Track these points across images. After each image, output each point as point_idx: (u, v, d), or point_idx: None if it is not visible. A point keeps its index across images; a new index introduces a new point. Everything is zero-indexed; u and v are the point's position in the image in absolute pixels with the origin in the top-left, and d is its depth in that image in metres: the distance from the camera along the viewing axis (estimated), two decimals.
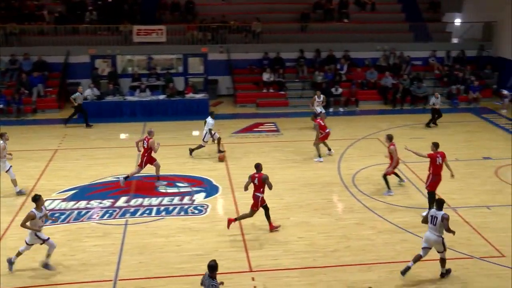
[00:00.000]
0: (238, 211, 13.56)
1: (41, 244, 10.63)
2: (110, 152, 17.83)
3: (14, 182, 14.29)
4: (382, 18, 27.27)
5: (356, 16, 27.17)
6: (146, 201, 14.15)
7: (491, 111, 23.04)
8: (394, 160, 14.19)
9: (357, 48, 25.51)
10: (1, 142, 14.07)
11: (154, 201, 14.19)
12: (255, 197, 12.32)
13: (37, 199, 10.56)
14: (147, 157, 14.91)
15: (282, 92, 24.03)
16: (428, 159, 12.96)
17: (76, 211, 13.52)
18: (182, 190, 14.91)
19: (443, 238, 10.37)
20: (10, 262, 10.75)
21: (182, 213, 13.57)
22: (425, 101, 23.52)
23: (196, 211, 13.67)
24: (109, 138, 19.44)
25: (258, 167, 12.37)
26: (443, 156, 12.91)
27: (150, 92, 23.14)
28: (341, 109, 21.60)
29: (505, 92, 23.15)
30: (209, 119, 16.98)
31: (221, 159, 16.88)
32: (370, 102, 23.84)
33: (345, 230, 12.60)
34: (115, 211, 13.58)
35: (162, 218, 13.26)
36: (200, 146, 17.24)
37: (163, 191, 14.80)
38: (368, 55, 25.56)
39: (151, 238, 12.19)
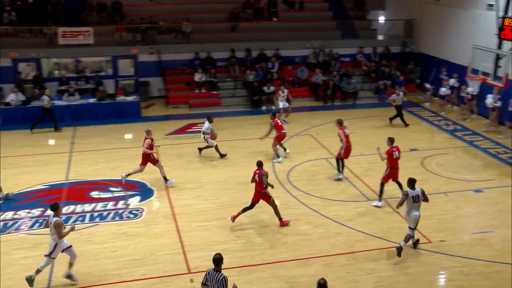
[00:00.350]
0: (174, 213, 13.46)
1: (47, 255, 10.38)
2: (38, 159, 17.14)
3: None
4: (310, 17, 27.81)
5: (285, 15, 27.54)
6: (79, 208, 13.75)
7: (416, 104, 24.06)
8: (342, 143, 15.00)
9: (287, 47, 25.86)
10: None
11: (87, 207, 13.81)
12: (260, 195, 12.56)
13: (56, 207, 10.34)
14: (151, 156, 14.83)
15: (214, 92, 23.98)
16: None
17: (1, 223, 12.92)
18: (116, 194, 14.60)
19: None
20: (69, 276, 10.48)
21: (117, 218, 13.29)
22: (355, 96, 24.32)
23: (131, 215, 13.42)
24: (36, 145, 18.67)
25: (260, 164, 12.75)
26: (399, 149, 13.86)
27: (79, 96, 22.42)
28: (273, 107, 21.88)
29: (427, 86, 24.21)
30: (205, 123, 17.00)
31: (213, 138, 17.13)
32: (301, 99, 24.22)
33: (282, 227, 12.79)
34: (45, 220, 13.07)
35: (96, 225, 12.93)
36: (215, 147, 17.19)
37: (97, 197, 14.44)
38: (298, 53, 25.93)
39: (85, 246, 11.84)
